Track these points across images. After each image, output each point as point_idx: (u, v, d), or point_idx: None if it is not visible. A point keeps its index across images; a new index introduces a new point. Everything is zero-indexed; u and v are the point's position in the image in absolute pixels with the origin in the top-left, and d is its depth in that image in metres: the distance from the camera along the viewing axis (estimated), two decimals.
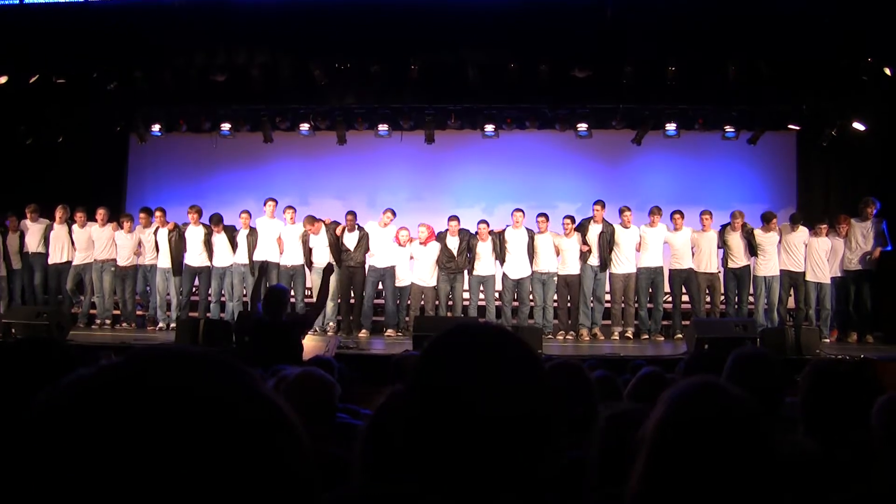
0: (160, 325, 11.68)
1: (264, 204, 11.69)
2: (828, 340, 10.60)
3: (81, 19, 10.90)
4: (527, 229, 11.33)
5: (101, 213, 11.79)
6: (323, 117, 12.61)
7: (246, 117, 12.79)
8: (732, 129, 12.23)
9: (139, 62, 11.45)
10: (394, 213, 11.52)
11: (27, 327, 9.21)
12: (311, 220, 11.45)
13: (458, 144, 13.28)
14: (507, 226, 11.43)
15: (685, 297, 11.38)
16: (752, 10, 10.02)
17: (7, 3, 10.92)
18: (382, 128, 12.54)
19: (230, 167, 13.63)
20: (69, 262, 11.83)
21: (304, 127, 12.60)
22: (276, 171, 13.52)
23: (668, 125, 12.20)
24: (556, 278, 11.33)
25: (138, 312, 12.08)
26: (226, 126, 12.65)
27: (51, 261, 11.86)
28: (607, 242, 11.17)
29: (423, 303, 11.34)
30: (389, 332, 11.31)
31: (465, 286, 11.51)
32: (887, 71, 10.54)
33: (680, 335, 10.91)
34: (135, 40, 10.82)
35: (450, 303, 11.38)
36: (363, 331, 11.30)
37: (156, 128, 12.77)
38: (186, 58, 11.44)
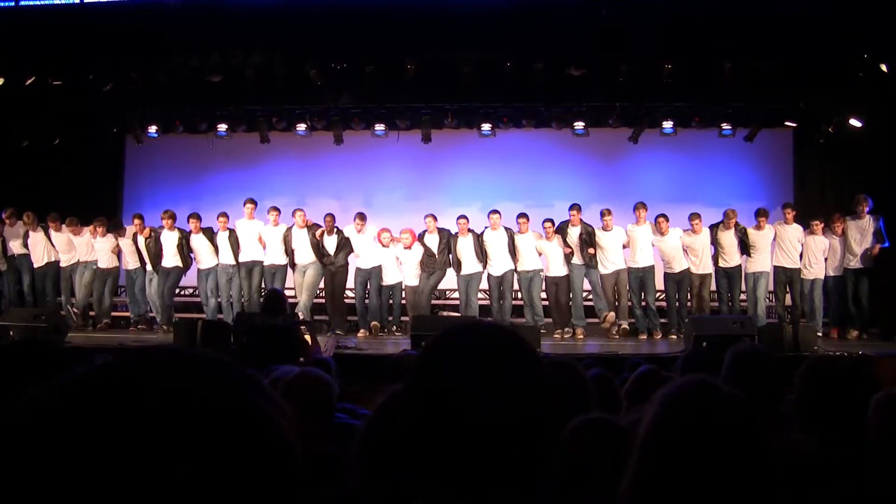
0: (140, 325, 11.69)
1: (244, 205, 11.56)
2: (820, 335, 10.58)
3: (77, 21, 10.89)
4: (505, 229, 11.15)
5: (70, 220, 11.62)
6: (319, 117, 12.59)
7: (242, 118, 12.79)
8: (729, 127, 12.23)
9: (135, 63, 11.45)
10: (364, 218, 11.41)
11: (25, 329, 9.17)
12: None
13: (455, 143, 13.28)
14: (486, 227, 11.24)
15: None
16: (747, 8, 10.03)
17: (3, 4, 10.91)
18: (379, 127, 12.55)
19: (227, 168, 13.59)
20: (54, 262, 11.80)
21: (301, 127, 12.60)
22: (272, 172, 13.49)
23: (664, 123, 12.21)
24: (542, 274, 11.21)
25: (114, 314, 12.10)
26: (222, 127, 12.63)
27: (35, 265, 11.82)
28: (586, 242, 11.02)
29: (406, 301, 11.33)
30: (375, 329, 11.24)
31: (453, 285, 11.43)
32: (883, 67, 10.55)
33: (673, 335, 10.84)
34: (130, 41, 10.83)
35: (434, 300, 11.33)
36: (361, 331, 11.26)
37: (152, 129, 12.78)
38: (182, 59, 11.45)
